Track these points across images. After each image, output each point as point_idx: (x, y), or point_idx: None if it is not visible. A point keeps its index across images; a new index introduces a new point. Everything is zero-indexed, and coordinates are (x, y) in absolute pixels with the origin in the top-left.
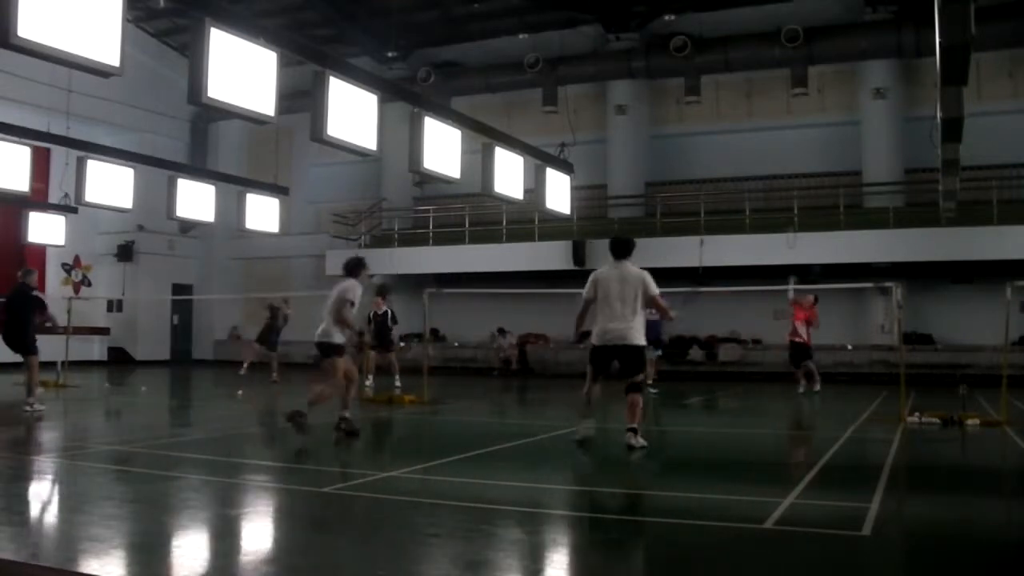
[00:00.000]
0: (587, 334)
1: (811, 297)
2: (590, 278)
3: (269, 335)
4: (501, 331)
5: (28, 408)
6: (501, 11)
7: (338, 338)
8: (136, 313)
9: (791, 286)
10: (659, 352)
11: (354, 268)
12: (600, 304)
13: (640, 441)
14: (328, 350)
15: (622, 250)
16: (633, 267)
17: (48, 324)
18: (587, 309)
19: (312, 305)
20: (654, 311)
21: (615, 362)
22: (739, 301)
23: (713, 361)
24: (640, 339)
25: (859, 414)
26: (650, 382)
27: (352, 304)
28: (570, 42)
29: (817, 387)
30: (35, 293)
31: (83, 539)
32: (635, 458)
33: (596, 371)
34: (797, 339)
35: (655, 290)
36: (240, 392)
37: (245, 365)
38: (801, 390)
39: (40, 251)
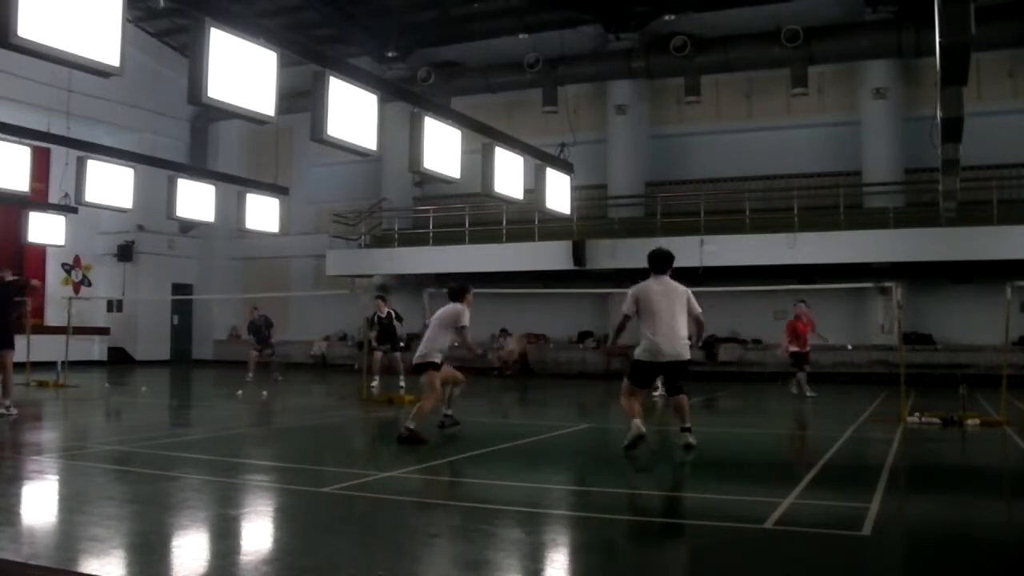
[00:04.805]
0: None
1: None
2: (631, 293)
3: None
4: (504, 332)
5: (3, 411)
6: (501, 11)
7: (436, 356)
8: (136, 313)
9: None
10: None
11: (460, 293)
12: (647, 320)
13: (692, 439)
14: (425, 367)
15: (663, 264)
16: (676, 283)
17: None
18: (625, 324)
19: (309, 305)
20: None
21: (661, 375)
22: (739, 301)
23: (713, 361)
24: (689, 352)
25: (859, 414)
26: None
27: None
28: (570, 42)
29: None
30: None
31: (83, 539)
32: (636, 458)
33: (639, 385)
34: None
35: (698, 309)
36: (240, 392)
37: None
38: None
39: (40, 251)
